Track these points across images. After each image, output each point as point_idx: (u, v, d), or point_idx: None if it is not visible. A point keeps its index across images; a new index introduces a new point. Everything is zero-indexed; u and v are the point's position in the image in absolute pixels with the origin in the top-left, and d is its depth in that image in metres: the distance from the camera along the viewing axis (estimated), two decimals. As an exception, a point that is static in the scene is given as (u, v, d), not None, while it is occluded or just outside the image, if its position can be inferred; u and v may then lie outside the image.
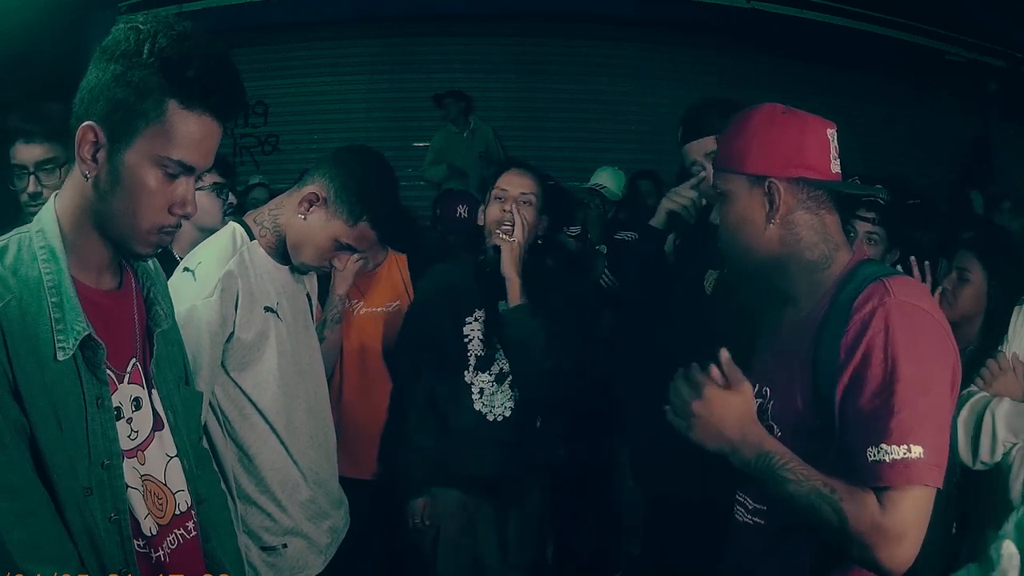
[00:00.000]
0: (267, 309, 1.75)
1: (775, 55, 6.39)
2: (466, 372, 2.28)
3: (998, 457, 1.87)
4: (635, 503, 2.72)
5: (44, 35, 4.39)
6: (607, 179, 4.43)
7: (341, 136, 6.25)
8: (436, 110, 6.00)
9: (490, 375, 2.28)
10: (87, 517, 1.07)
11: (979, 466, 1.89)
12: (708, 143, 1.87)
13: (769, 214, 1.29)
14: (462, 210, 3.48)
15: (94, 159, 1.09)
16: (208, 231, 2.25)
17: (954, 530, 1.93)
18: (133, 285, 1.24)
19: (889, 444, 1.11)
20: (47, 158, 1.91)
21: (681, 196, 1.99)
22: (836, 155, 1.32)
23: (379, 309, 2.59)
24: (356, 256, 2.00)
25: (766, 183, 1.29)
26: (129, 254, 1.19)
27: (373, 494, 2.39)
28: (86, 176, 1.10)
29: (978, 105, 6.74)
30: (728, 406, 1.22)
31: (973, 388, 1.94)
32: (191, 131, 1.10)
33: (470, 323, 2.30)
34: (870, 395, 1.14)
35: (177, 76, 1.07)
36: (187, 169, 1.12)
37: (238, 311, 1.68)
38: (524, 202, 2.22)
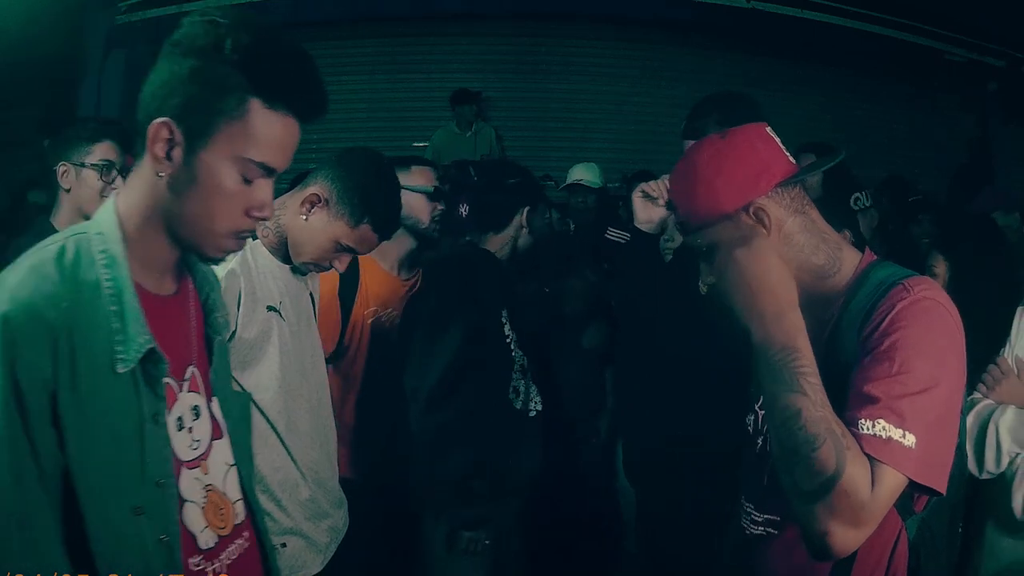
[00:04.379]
0: (270, 308, 1.75)
1: (775, 55, 6.39)
2: (514, 375, 2.20)
3: (1003, 467, 1.84)
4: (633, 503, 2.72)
5: (45, 36, 4.40)
6: (582, 172, 4.46)
7: (341, 136, 6.25)
8: (435, 110, 5.99)
9: (521, 373, 2.25)
10: (133, 539, 1.00)
11: (985, 475, 1.86)
12: None
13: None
14: (463, 209, 3.47)
15: (168, 157, 1.03)
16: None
17: (959, 530, 1.89)
18: (191, 290, 1.19)
19: (887, 422, 1.06)
20: None
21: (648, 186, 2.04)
22: (783, 147, 1.27)
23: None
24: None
25: (751, 210, 1.22)
26: (200, 257, 1.14)
27: (369, 494, 2.38)
28: (160, 175, 1.03)
29: (978, 105, 6.74)
30: (774, 263, 1.17)
31: (976, 395, 1.88)
32: (274, 132, 1.05)
33: (504, 323, 2.20)
34: (877, 380, 1.09)
35: (261, 74, 1.02)
36: (267, 171, 1.07)
37: (240, 310, 1.68)
38: None
